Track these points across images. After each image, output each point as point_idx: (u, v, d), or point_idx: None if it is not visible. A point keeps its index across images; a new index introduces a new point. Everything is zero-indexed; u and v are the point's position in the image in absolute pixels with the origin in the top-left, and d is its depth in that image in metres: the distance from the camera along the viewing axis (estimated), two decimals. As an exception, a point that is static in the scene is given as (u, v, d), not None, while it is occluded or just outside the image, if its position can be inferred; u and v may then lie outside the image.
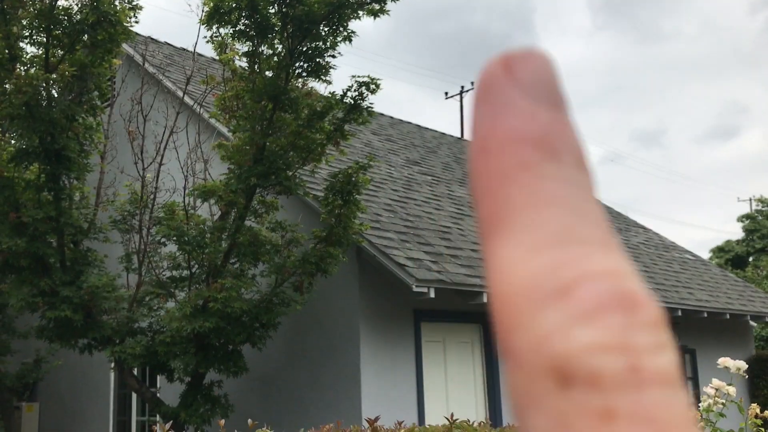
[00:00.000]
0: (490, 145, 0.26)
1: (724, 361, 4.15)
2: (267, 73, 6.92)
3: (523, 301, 0.24)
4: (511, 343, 0.24)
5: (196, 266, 7.03)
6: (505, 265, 0.24)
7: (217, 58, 7.56)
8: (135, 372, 7.49)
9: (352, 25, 6.72)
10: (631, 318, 0.23)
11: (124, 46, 8.53)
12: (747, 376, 4.25)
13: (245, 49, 7.00)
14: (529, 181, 0.25)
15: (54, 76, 6.47)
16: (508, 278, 0.24)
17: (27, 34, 6.68)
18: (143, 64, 8.59)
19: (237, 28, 6.73)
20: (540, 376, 0.23)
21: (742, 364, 4.09)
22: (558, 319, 0.23)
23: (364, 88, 6.85)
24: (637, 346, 0.23)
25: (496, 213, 0.25)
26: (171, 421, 4.05)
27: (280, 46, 6.82)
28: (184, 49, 12.44)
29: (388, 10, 6.66)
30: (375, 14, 6.61)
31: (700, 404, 4.05)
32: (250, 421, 3.82)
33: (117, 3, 6.61)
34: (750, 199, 34.52)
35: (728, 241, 32.05)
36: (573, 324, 0.23)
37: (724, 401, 4.00)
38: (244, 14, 6.57)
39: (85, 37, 6.64)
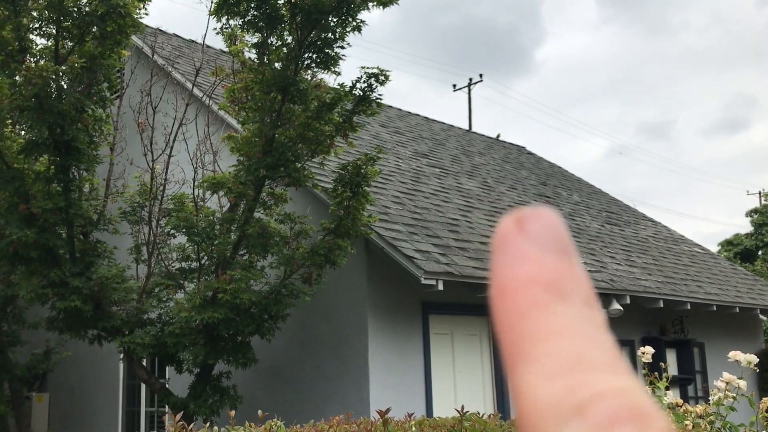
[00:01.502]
0: (506, 289, 0.31)
1: (735, 354, 4.13)
2: (276, 64, 6.90)
3: (545, 421, 0.27)
4: None
5: (206, 258, 7.04)
6: (528, 391, 0.28)
7: (227, 49, 7.55)
8: (144, 363, 7.52)
9: (361, 15, 6.69)
10: (643, 427, 0.26)
11: (133, 37, 8.53)
12: (758, 370, 4.23)
13: (254, 40, 6.99)
14: (542, 317, 0.29)
15: (64, 67, 6.47)
16: (532, 401, 0.28)
17: (37, 25, 6.69)
18: (152, 55, 8.59)
19: (246, 19, 6.72)
20: None
21: (753, 358, 4.07)
22: None
23: (373, 79, 6.83)
24: None
25: (516, 346, 0.29)
26: (181, 412, 4.06)
27: (290, 37, 6.80)
28: (193, 41, 12.44)
29: (398, 0, 6.63)
30: (384, 4, 6.58)
31: (710, 398, 4.04)
32: (260, 412, 3.83)
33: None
34: (759, 193, 34.35)
35: (737, 235, 31.91)
36: None
37: (734, 395, 3.99)
38: (253, 5, 6.55)
39: (95, 28, 6.64)
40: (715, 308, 11.01)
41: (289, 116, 6.84)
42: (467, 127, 24.53)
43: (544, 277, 0.30)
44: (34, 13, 6.56)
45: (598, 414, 0.26)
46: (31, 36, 6.73)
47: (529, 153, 18.67)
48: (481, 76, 27.66)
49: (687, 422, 4.02)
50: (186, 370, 7.08)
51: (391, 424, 3.59)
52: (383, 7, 6.66)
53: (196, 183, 7.38)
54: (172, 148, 7.64)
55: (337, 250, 6.82)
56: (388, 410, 3.56)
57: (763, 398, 4.09)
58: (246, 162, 6.80)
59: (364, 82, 6.86)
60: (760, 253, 30.63)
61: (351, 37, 6.74)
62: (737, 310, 11.46)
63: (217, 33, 7.18)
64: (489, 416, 4.19)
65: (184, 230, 6.79)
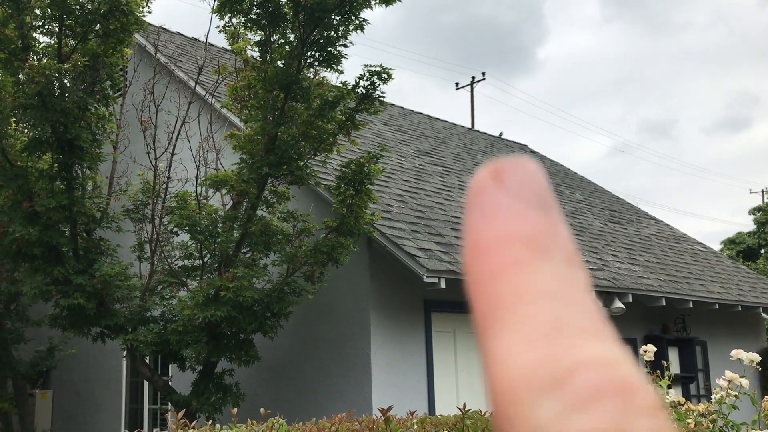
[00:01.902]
0: (481, 246, 0.27)
1: (737, 353, 4.13)
2: (279, 62, 6.91)
3: (520, 392, 0.24)
4: None
5: (208, 255, 7.05)
6: (502, 358, 0.25)
7: (229, 47, 7.56)
8: (147, 360, 7.53)
9: (363, 13, 6.70)
10: (628, 403, 0.24)
11: (136, 36, 8.54)
12: (760, 369, 4.23)
13: (257, 38, 7.00)
14: (520, 277, 0.26)
15: (66, 65, 6.48)
16: (505, 370, 0.25)
17: (40, 23, 6.70)
18: (155, 54, 8.60)
19: (249, 17, 6.72)
20: None
21: (755, 356, 4.07)
22: (555, 408, 0.24)
23: (376, 77, 6.83)
24: (634, 431, 0.23)
25: (490, 308, 0.26)
26: (183, 410, 4.07)
27: (292, 36, 6.81)
28: (196, 39, 12.45)
29: (401, -2, 6.63)
30: (387, 2, 6.58)
31: (712, 396, 4.04)
32: (262, 410, 3.83)
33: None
34: (762, 191, 34.29)
35: (740, 233, 31.87)
36: (570, 412, 0.23)
37: (736, 393, 3.99)
38: (255, 3, 6.56)
39: (98, 26, 6.65)
40: (717, 307, 11.00)
41: (292, 114, 6.85)
42: (470, 126, 24.54)
43: (523, 233, 0.27)
44: (37, 11, 6.57)
45: (580, 386, 0.24)
46: (34, 34, 6.75)
47: (532, 151, 18.66)
48: (483, 74, 27.74)
49: (689, 421, 4.02)
50: (189, 368, 7.10)
51: (393, 422, 3.60)
52: (385, 5, 6.67)
53: (198, 181, 7.39)
54: (174, 146, 7.66)
55: (340, 248, 6.83)
56: (390, 408, 3.56)
57: (766, 397, 4.10)
58: (249, 160, 6.81)
59: (366, 80, 6.86)
60: (762, 251, 30.58)
61: (353, 36, 6.74)
62: (740, 308, 11.46)
63: (220, 31, 7.19)
64: (492, 414, 4.19)
65: (186, 228, 6.80)
